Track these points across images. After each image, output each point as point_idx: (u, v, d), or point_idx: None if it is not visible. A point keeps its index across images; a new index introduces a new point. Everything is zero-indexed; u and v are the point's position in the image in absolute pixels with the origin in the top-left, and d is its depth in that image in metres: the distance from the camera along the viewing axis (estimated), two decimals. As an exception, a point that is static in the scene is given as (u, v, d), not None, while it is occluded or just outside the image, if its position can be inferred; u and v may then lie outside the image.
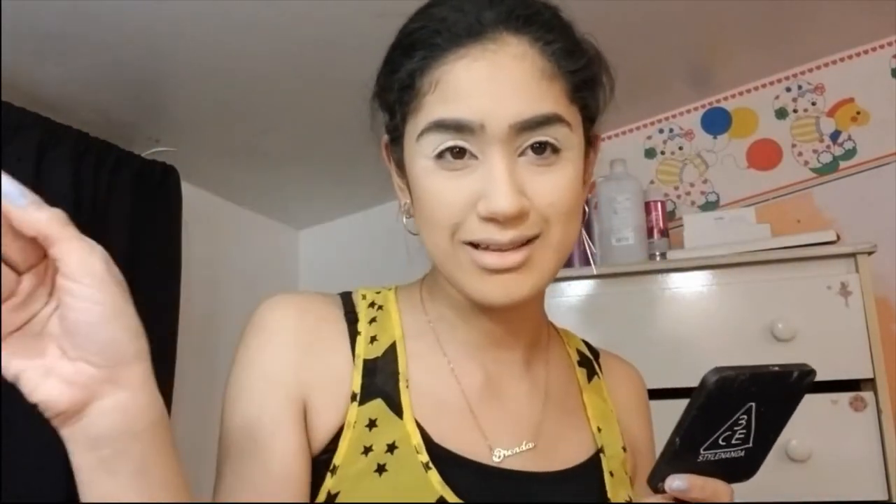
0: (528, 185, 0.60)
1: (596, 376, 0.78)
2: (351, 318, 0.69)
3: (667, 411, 1.43)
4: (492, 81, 0.59)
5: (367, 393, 0.65)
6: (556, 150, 0.61)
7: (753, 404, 0.51)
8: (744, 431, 0.53)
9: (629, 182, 1.72)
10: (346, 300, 0.71)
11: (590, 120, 0.67)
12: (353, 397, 0.64)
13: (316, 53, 1.43)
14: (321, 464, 0.63)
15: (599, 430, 0.73)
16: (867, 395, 1.39)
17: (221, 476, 0.63)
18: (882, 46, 1.90)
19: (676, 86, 1.96)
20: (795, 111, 1.96)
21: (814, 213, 1.89)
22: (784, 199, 1.93)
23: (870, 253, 1.44)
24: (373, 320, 0.70)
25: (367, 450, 0.62)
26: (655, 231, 1.74)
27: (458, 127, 0.59)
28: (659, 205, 1.76)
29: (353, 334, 0.68)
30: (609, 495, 0.68)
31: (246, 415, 0.63)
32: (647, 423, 0.82)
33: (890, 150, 1.87)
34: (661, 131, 2.05)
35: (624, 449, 0.74)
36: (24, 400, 0.43)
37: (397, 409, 0.64)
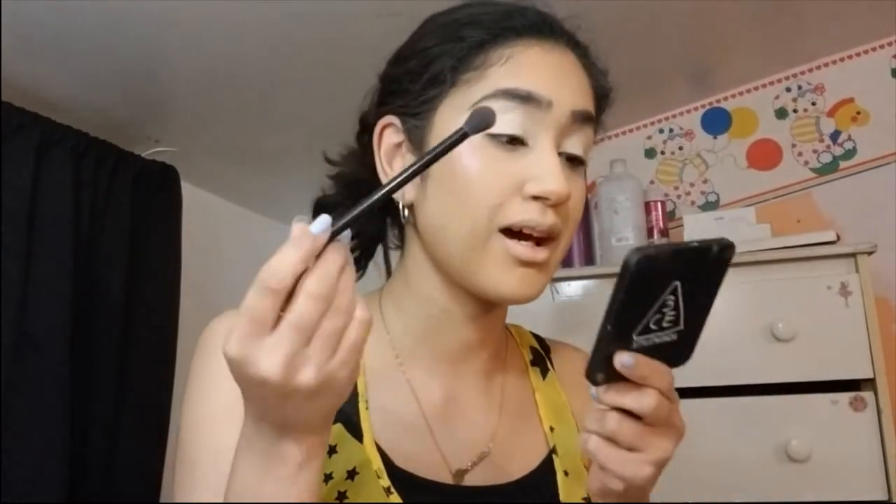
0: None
1: (549, 372, 0.78)
2: None
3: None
4: (561, 71, 0.63)
5: None
6: (583, 161, 0.65)
7: (678, 283, 0.50)
8: (673, 313, 0.52)
9: (629, 182, 1.72)
10: None
11: None
12: None
13: (316, 54, 1.43)
14: None
15: (552, 429, 0.72)
16: (867, 396, 1.39)
17: None
18: (882, 46, 1.90)
19: (676, 86, 1.96)
20: (795, 111, 1.96)
21: (814, 213, 1.89)
22: (784, 199, 1.93)
23: (870, 253, 1.44)
24: None
25: (327, 477, 0.61)
26: (655, 231, 1.73)
27: (527, 98, 0.60)
28: (659, 205, 1.76)
29: None
30: (562, 496, 0.67)
31: (208, 448, 0.60)
32: None
33: (890, 150, 1.86)
34: (661, 131, 2.05)
35: None
36: (25, 400, 0.43)
37: (357, 433, 0.63)
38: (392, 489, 0.61)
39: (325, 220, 0.44)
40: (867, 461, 1.36)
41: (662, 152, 2.04)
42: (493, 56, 0.62)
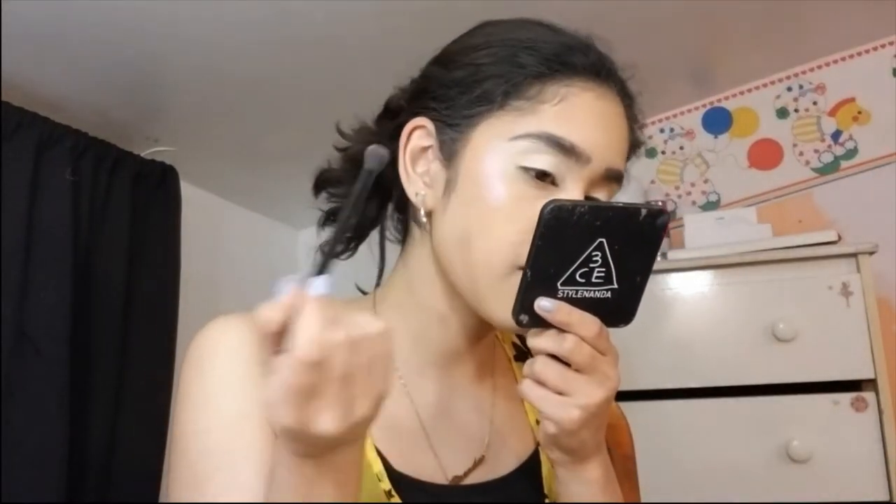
0: None
1: None
2: None
3: (669, 411, 1.44)
4: (609, 124, 0.62)
5: None
6: None
7: (604, 240, 0.52)
8: (602, 269, 0.53)
9: (630, 182, 1.72)
10: None
11: None
12: None
13: (316, 53, 1.43)
14: None
15: (538, 422, 0.70)
16: (868, 396, 1.39)
17: None
18: (883, 46, 1.90)
19: (677, 85, 1.95)
20: (796, 111, 1.95)
21: (815, 213, 1.89)
22: (785, 199, 1.93)
23: (871, 253, 1.44)
24: None
25: None
26: (656, 231, 1.73)
27: (569, 150, 0.59)
28: (660, 204, 1.76)
29: None
30: (546, 487, 0.69)
31: (225, 451, 0.58)
32: None
33: (891, 150, 1.86)
34: (661, 131, 2.05)
35: None
36: (25, 400, 0.42)
37: None
38: (393, 492, 0.61)
39: (324, 280, 0.45)
40: (868, 462, 1.36)
41: (663, 152, 2.04)
42: (548, 92, 0.61)
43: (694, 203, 2.00)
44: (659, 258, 1.68)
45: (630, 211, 0.52)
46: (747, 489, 1.41)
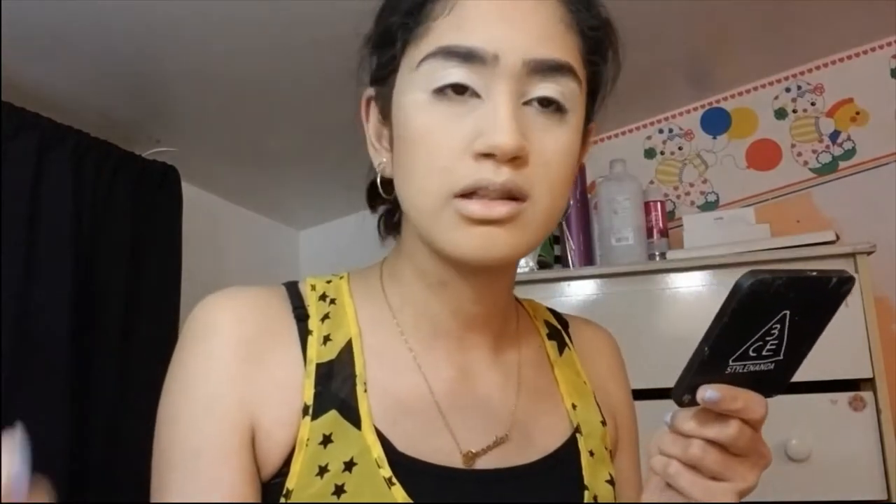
0: (529, 135, 0.55)
1: (567, 348, 0.73)
2: (300, 315, 0.63)
3: (667, 411, 1.44)
4: (513, 13, 0.56)
5: (320, 404, 0.58)
6: (562, 109, 0.57)
7: (788, 312, 0.47)
8: (775, 342, 0.49)
9: (629, 182, 1.72)
10: (294, 292, 0.65)
11: (591, 96, 0.63)
12: (305, 410, 0.58)
13: (317, 54, 1.43)
14: (274, 488, 0.57)
15: (574, 407, 0.68)
16: (866, 395, 1.39)
17: None
18: (881, 47, 1.91)
19: (676, 86, 1.96)
20: (795, 111, 1.96)
21: (813, 214, 1.89)
22: (783, 199, 1.93)
23: (869, 253, 1.44)
24: (325, 317, 0.63)
25: (322, 470, 0.56)
26: (655, 231, 1.74)
27: (468, 55, 0.54)
28: (658, 205, 1.76)
29: (304, 334, 0.61)
30: (587, 478, 0.64)
31: (186, 447, 0.58)
32: (624, 386, 0.78)
33: (889, 151, 1.87)
34: (660, 131, 2.05)
35: (603, 423, 0.70)
36: (25, 400, 0.42)
37: (354, 419, 0.58)
38: (394, 479, 0.56)
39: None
40: (866, 461, 1.37)
41: (662, 152, 2.05)
42: (437, 7, 0.56)
43: (692, 203, 2.00)
44: (657, 258, 1.69)
45: (823, 280, 0.48)
46: (746, 488, 1.41)
